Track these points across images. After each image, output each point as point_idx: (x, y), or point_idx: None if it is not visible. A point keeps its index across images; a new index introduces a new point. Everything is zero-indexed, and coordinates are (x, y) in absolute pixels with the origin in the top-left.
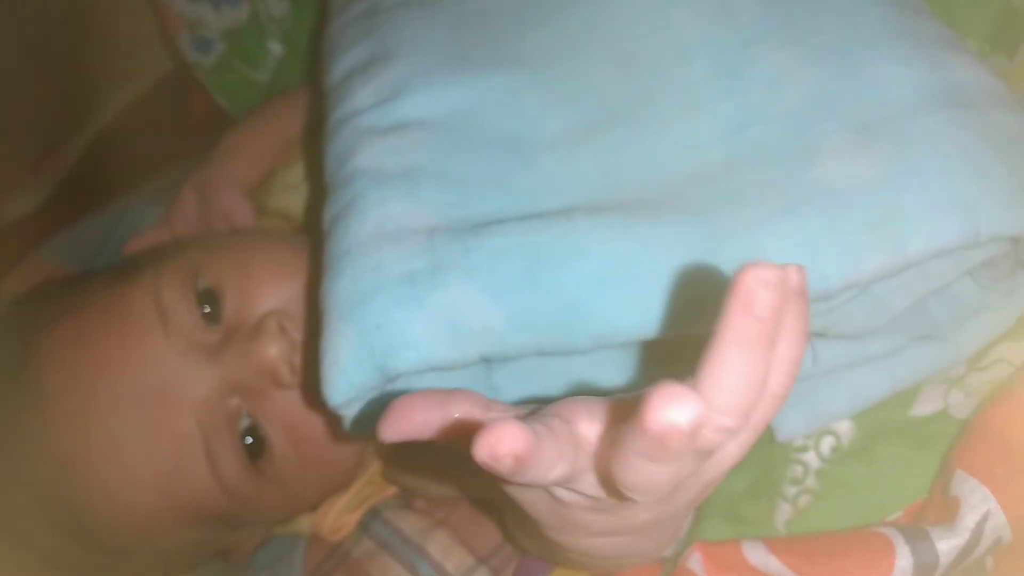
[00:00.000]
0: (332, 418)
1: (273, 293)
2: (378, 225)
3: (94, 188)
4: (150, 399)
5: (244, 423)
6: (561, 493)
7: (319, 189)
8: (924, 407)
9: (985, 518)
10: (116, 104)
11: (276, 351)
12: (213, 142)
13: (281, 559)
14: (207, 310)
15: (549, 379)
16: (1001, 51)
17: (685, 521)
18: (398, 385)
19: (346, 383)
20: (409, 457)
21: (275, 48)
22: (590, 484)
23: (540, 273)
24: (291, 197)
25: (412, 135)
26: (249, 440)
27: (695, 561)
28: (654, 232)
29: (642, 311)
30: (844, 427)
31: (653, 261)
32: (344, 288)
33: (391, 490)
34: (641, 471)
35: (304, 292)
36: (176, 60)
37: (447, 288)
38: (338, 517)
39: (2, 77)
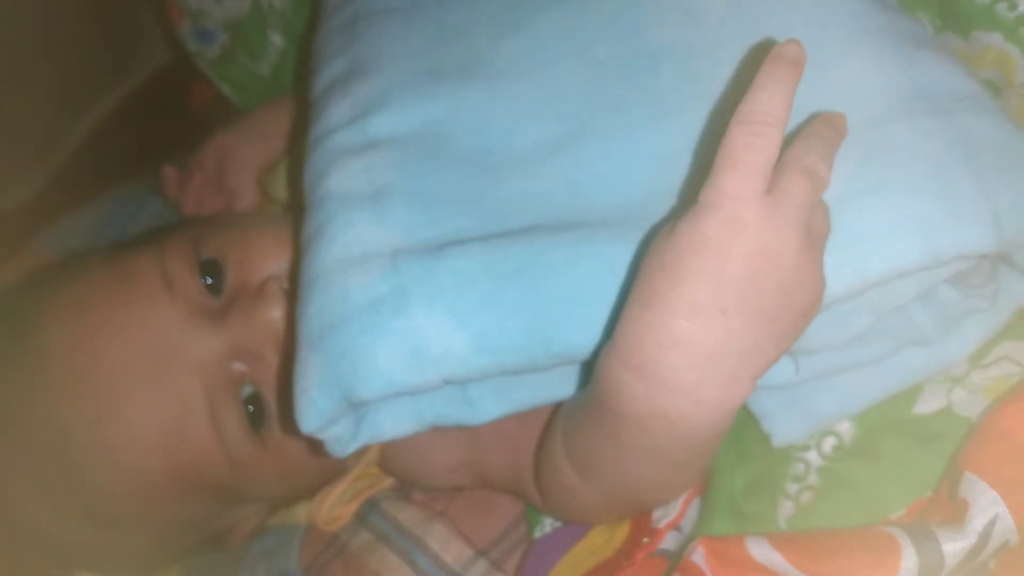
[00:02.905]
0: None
1: (274, 261)
2: (344, 250)
3: (93, 177)
4: (154, 360)
5: (246, 391)
6: None
7: (299, 205)
8: (927, 405)
9: (993, 521)
10: (116, 94)
11: (280, 313)
12: (212, 132)
13: (277, 550)
14: (209, 282)
15: (526, 391)
16: (953, 28)
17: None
18: (369, 409)
19: (315, 410)
20: (409, 441)
21: (276, 40)
22: None
23: (503, 294)
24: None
25: (382, 154)
26: (251, 408)
27: (698, 555)
28: (615, 251)
29: (602, 331)
30: (845, 426)
31: (614, 281)
32: (312, 317)
33: (388, 482)
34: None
35: None
36: (175, 50)
37: (409, 313)
38: (334, 507)
39: (2, 66)
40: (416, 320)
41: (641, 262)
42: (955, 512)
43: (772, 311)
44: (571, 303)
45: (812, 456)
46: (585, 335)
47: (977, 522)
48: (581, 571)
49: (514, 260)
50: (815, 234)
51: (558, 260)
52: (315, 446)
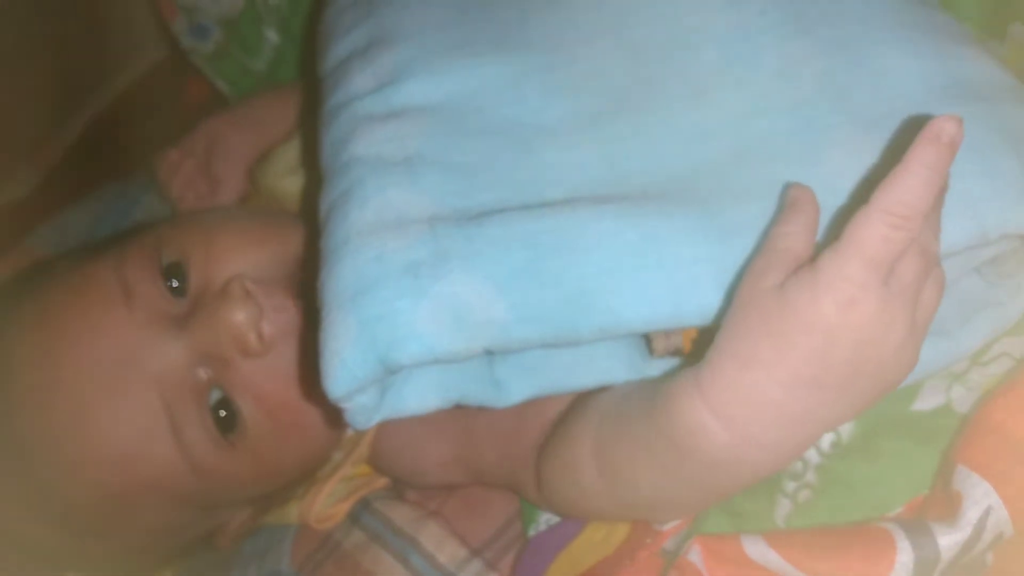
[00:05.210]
0: (306, 385)
1: (239, 258)
2: (378, 213)
3: (88, 173)
4: (110, 374)
5: (215, 396)
6: None
7: (315, 175)
8: (926, 402)
9: (987, 513)
10: (111, 90)
11: (243, 316)
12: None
13: (269, 550)
14: (174, 285)
15: (554, 375)
16: (994, 35)
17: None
18: (398, 377)
19: (347, 375)
20: (400, 438)
21: (272, 36)
22: None
23: (545, 264)
24: (288, 180)
25: (411, 121)
26: (222, 413)
27: (695, 554)
28: (662, 225)
29: (649, 304)
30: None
31: (660, 254)
32: (345, 277)
33: (381, 482)
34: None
35: (271, 260)
36: (171, 46)
37: (451, 278)
38: (325, 505)
39: None
40: (457, 286)
41: (738, 309)
42: (949, 505)
43: (864, 387)
44: (615, 275)
45: (810, 454)
46: (629, 308)
47: (971, 514)
48: (579, 568)
49: (556, 230)
50: (920, 312)
51: (601, 231)
52: (301, 436)
